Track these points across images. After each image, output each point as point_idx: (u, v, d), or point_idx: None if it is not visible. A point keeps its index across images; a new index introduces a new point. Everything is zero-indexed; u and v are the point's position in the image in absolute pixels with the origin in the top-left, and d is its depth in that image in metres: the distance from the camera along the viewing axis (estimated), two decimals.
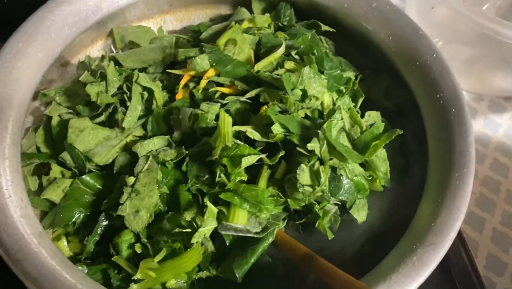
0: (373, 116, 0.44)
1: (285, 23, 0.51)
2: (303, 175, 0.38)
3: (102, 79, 0.44)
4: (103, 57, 0.48)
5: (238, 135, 0.41)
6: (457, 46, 0.73)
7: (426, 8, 0.70)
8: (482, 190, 0.64)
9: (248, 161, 0.38)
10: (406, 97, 0.45)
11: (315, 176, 0.38)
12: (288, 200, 0.39)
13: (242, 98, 0.42)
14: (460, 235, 0.57)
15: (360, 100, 0.46)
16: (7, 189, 0.35)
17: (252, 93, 0.43)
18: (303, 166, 0.38)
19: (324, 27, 0.49)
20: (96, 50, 0.53)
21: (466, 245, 0.57)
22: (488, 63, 0.71)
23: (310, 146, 0.39)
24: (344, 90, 0.45)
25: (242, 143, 0.40)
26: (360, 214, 0.40)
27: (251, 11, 0.54)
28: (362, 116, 0.44)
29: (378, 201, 0.42)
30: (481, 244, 0.59)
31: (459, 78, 0.72)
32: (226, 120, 0.39)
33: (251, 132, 0.40)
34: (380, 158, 0.41)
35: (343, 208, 0.40)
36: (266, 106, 0.42)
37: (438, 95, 0.42)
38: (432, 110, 0.42)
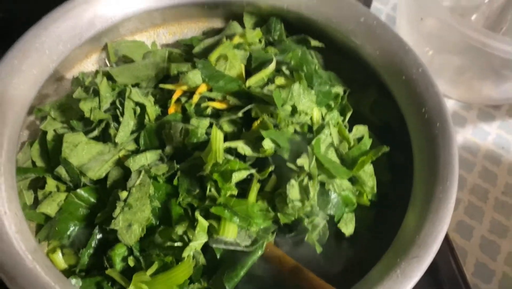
0: (361, 130, 0.45)
1: (276, 37, 0.52)
2: (293, 190, 0.39)
3: (95, 95, 0.45)
4: (97, 72, 0.49)
5: (230, 149, 0.42)
6: (447, 56, 0.74)
7: (416, 18, 0.71)
8: (471, 198, 0.65)
9: (238, 176, 0.39)
10: (393, 111, 0.46)
11: (304, 191, 0.39)
12: (278, 214, 0.40)
13: (234, 117, 0.43)
14: (449, 243, 0.58)
15: (349, 114, 0.47)
16: (2, 205, 0.36)
17: (244, 109, 0.44)
18: (292, 181, 0.39)
19: (313, 42, 0.50)
20: (90, 64, 0.54)
21: (455, 253, 0.58)
22: (477, 73, 0.72)
23: (299, 161, 0.40)
24: (333, 105, 0.46)
25: (232, 158, 0.41)
26: (348, 227, 0.41)
27: (242, 25, 0.55)
28: (350, 130, 0.46)
29: (365, 214, 0.43)
30: (469, 252, 0.60)
31: (449, 87, 0.74)
32: (218, 136, 0.40)
33: (242, 148, 0.41)
34: (367, 173, 0.42)
35: (332, 221, 0.41)
36: (258, 122, 0.44)
37: (423, 109, 0.43)
38: (418, 124, 0.43)
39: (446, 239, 0.59)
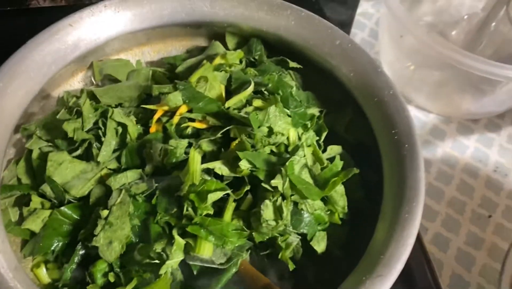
0: (335, 150, 0.47)
1: (256, 58, 0.54)
2: (267, 211, 0.41)
3: (78, 116, 0.46)
4: (81, 92, 0.50)
5: (208, 169, 0.44)
6: (427, 71, 0.76)
7: (396, 35, 0.73)
8: (448, 210, 0.67)
9: (214, 196, 0.41)
10: (366, 131, 0.48)
11: (278, 211, 0.41)
12: (253, 233, 0.42)
13: (214, 137, 0.45)
14: (425, 255, 0.60)
15: (324, 134, 0.49)
16: None
17: (223, 130, 0.46)
18: (267, 201, 0.41)
19: (292, 64, 0.52)
20: (76, 82, 0.55)
21: (431, 265, 0.59)
22: (457, 87, 0.74)
23: (273, 182, 0.42)
24: (309, 125, 0.48)
25: (209, 178, 0.43)
26: (320, 245, 0.43)
27: (224, 44, 0.57)
28: (325, 150, 0.47)
29: (337, 232, 0.45)
30: (445, 263, 0.62)
31: (429, 101, 0.76)
32: (196, 158, 0.42)
33: (219, 168, 0.43)
34: (339, 193, 0.44)
35: (304, 239, 0.43)
36: (236, 142, 0.45)
37: (393, 131, 0.45)
38: (388, 145, 0.45)
39: (423, 251, 0.60)
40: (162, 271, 0.40)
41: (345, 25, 0.80)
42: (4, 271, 0.36)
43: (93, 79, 0.56)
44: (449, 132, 0.74)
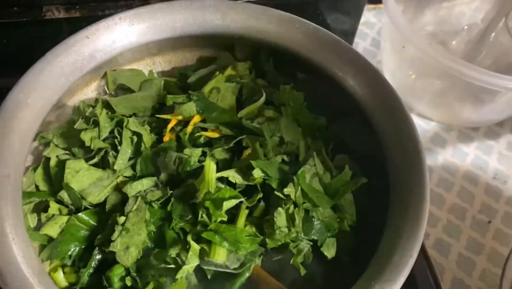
0: (342, 159, 0.49)
1: (266, 68, 0.56)
2: (280, 218, 0.43)
3: (95, 126, 0.48)
4: (96, 101, 0.52)
5: (221, 177, 0.46)
6: (429, 80, 0.78)
7: (398, 45, 0.75)
8: (449, 216, 0.69)
9: (229, 204, 0.43)
10: (372, 140, 0.50)
11: (290, 218, 0.43)
12: (266, 239, 0.43)
13: (227, 146, 0.46)
14: (427, 260, 0.62)
15: (332, 144, 0.51)
16: (10, 232, 0.39)
17: (236, 140, 0.47)
18: (280, 209, 0.43)
19: (300, 75, 0.54)
20: (90, 91, 0.57)
21: (433, 269, 0.61)
22: (457, 96, 0.76)
23: (286, 190, 0.43)
24: (317, 135, 0.50)
25: (223, 186, 0.44)
26: (330, 251, 0.45)
27: (234, 55, 0.58)
28: (333, 159, 0.49)
29: (346, 239, 0.47)
30: (446, 268, 0.64)
31: (430, 109, 0.78)
32: (211, 167, 0.43)
33: (233, 177, 0.45)
34: (348, 201, 0.45)
35: (315, 245, 0.45)
36: (248, 150, 0.47)
37: (398, 139, 0.47)
38: (393, 153, 0.47)
39: (425, 256, 0.62)
40: (178, 276, 0.42)
41: (348, 35, 0.82)
42: (30, 276, 0.37)
43: (106, 89, 0.57)
44: (449, 140, 0.76)
